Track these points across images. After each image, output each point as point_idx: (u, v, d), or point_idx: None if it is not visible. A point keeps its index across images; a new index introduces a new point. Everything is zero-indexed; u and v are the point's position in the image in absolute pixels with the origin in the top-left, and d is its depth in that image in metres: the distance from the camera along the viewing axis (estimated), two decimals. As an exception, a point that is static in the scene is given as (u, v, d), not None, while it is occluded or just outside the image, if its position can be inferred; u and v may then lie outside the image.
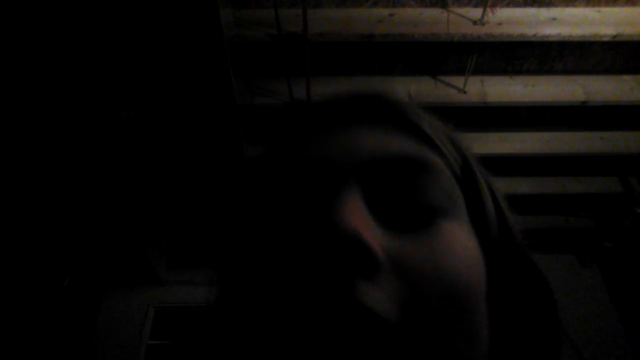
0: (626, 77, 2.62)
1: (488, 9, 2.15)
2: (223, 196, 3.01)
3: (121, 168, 2.67)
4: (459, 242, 0.28)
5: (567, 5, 2.24)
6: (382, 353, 0.23)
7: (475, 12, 2.21)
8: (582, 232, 4.05)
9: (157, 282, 4.09)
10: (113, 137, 2.43)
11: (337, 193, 0.27)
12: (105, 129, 2.36)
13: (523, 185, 3.40)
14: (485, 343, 0.27)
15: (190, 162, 2.74)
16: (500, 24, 2.19)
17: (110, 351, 3.83)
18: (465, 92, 2.58)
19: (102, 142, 2.46)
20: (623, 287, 4.05)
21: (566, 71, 2.65)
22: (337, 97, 0.36)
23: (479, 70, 2.61)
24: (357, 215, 0.26)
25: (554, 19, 2.21)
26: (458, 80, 2.60)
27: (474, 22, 2.19)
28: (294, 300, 0.25)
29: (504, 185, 3.37)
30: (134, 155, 2.62)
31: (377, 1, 2.23)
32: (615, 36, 2.17)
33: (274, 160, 0.34)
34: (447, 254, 0.26)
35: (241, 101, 2.42)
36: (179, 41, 1.97)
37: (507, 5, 2.23)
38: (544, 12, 2.23)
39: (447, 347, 0.24)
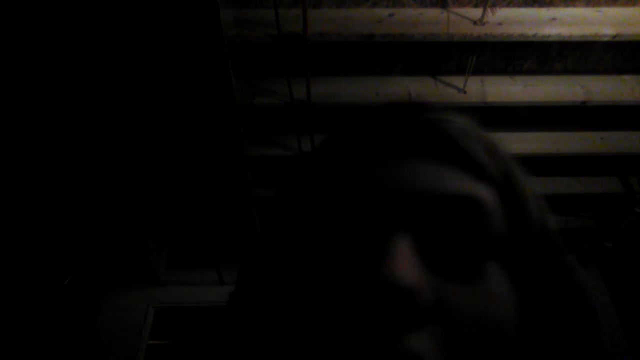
0: (626, 77, 2.62)
1: (488, 9, 2.15)
2: (223, 196, 3.01)
3: (121, 168, 2.68)
4: (500, 289, 0.28)
5: (567, 5, 2.24)
6: None
7: (475, 12, 2.21)
8: (582, 232, 4.04)
9: (157, 282, 4.09)
10: (113, 137, 2.43)
11: (388, 238, 0.26)
12: (105, 128, 2.36)
13: (523, 185, 3.39)
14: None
15: (190, 162, 2.74)
16: (500, 24, 2.19)
17: (110, 351, 3.83)
18: (465, 92, 2.59)
19: (102, 142, 2.46)
20: (623, 287, 4.05)
21: (566, 71, 2.65)
22: (396, 124, 0.33)
23: (479, 70, 2.61)
24: (408, 263, 0.25)
25: (554, 19, 2.21)
26: (458, 80, 2.60)
27: (474, 22, 2.19)
28: (344, 346, 0.25)
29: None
30: (134, 155, 2.62)
31: (377, 1, 2.23)
32: (615, 36, 2.17)
33: (320, 191, 0.31)
34: (488, 303, 0.27)
35: (241, 101, 2.42)
36: (179, 41, 1.97)
37: (507, 5, 2.23)
38: (544, 12, 2.23)
39: None
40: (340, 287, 0.27)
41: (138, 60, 2.09)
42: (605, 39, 2.20)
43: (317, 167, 0.33)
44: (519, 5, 2.24)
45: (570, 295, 0.31)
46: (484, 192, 0.29)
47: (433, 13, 2.23)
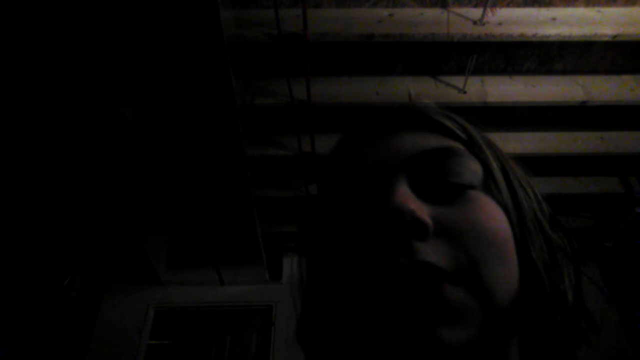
0: (626, 77, 2.62)
1: (488, 9, 2.15)
2: (223, 196, 3.01)
3: (121, 168, 2.68)
4: (484, 204, 0.36)
5: (567, 5, 2.24)
6: (434, 297, 0.30)
7: (475, 12, 2.21)
8: (582, 232, 4.05)
9: (157, 282, 4.09)
10: (113, 137, 2.43)
11: (390, 184, 0.35)
12: (105, 128, 2.36)
13: (523, 185, 3.39)
14: (517, 275, 0.34)
15: (190, 162, 2.74)
16: (500, 24, 2.19)
17: (110, 351, 3.83)
18: (465, 92, 2.58)
19: (103, 142, 2.47)
20: (623, 287, 4.05)
21: (566, 71, 2.65)
22: (379, 110, 0.46)
23: (479, 70, 2.61)
24: (407, 198, 0.33)
25: (554, 19, 2.21)
26: (458, 80, 2.60)
27: (474, 22, 2.19)
28: (363, 260, 0.33)
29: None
30: (134, 155, 2.62)
31: (377, 1, 2.23)
32: (615, 36, 2.17)
33: (337, 164, 0.43)
34: (477, 214, 0.34)
35: (241, 101, 2.42)
36: (179, 41, 1.97)
37: (507, 5, 2.23)
38: (544, 12, 2.23)
39: (491, 278, 0.32)
40: (364, 220, 0.35)
41: (138, 60, 2.09)
42: (605, 39, 2.20)
43: (338, 157, 0.44)
44: (519, 5, 2.24)
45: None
46: (454, 144, 0.40)
47: (433, 13, 2.23)
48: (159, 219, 3.50)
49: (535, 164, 3.19)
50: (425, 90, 2.61)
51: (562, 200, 3.65)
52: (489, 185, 0.38)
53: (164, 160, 2.72)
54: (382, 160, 0.38)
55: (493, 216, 0.35)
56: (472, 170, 0.38)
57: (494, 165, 0.40)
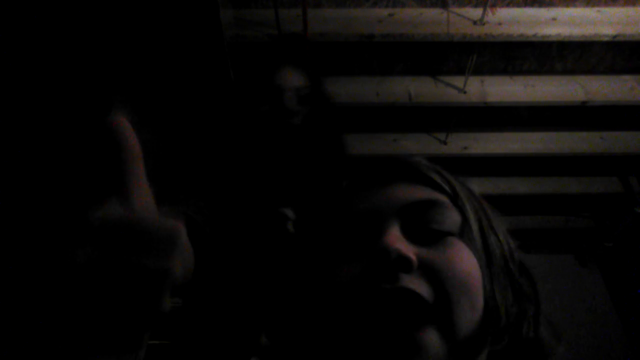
0: (626, 77, 2.62)
1: (488, 9, 2.15)
2: (223, 196, 3.01)
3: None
4: (460, 249, 0.43)
5: (567, 5, 2.24)
6: (416, 320, 0.37)
7: (475, 12, 2.21)
8: (582, 232, 4.05)
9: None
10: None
11: (383, 227, 0.43)
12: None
13: (523, 185, 3.39)
14: (480, 311, 0.42)
15: (189, 164, 2.74)
16: (500, 24, 2.19)
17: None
18: (465, 92, 2.59)
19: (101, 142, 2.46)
20: (623, 287, 4.05)
21: (566, 71, 2.65)
22: (374, 162, 0.53)
23: (479, 70, 2.61)
24: (396, 239, 0.41)
25: (554, 19, 2.21)
26: (458, 80, 2.60)
27: (474, 22, 2.19)
28: (358, 291, 0.40)
29: (504, 185, 3.37)
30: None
31: (377, 1, 2.23)
32: (615, 36, 2.17)
33: (334, 211, 0.50)
34: (454, 257, 0.42)
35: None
36: (179, 41, 1.97)
37: (507, 5, 2.23)
38: (544, 12, 2.23)
39: (459, 314, 0.39)
40: (355, 254, 0.43)
41: (137, 60, 2.09)
42: (605, 39, 2.20)
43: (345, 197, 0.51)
44: (519, 5, 2.24)
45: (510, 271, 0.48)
46: (439, 196, 0.47)
47: (433, 13, 2.23)
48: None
49: (535, 164, 3.19)
50: (425, 90, 2.62)
51: (562, 200, 3.66)
52: (466, 232, 0.45)
53: (163, 160, 2.72)
54: (379, 207, 0.45)
55: (466, 260, 0.43)
56: (453, 219, 0.45)
57: (471, 216, 0.47)
